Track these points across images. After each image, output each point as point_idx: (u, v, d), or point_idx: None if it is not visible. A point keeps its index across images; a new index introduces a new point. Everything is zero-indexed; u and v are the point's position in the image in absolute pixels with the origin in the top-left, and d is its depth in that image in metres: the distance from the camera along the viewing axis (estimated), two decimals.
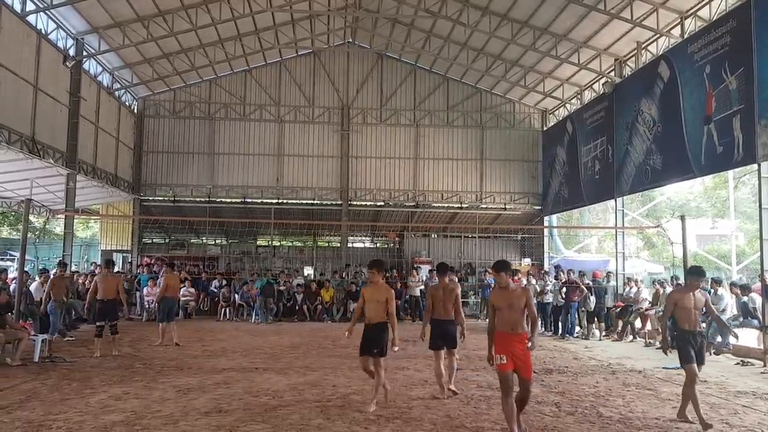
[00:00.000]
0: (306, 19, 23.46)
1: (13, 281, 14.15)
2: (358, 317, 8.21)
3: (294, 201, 26.45)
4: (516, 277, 18.08)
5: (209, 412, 7.35)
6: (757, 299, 13.05)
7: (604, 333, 16.83)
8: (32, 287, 14.33)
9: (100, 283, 12.27)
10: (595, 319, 16.92)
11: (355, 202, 26.63)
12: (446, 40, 23.25)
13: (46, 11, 17.19)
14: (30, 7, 16.42)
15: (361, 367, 7.97)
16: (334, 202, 26.52)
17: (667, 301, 7.74)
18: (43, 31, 17.29)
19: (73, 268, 20.60)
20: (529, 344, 6.46)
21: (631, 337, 16.11)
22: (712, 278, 14.50)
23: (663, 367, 11.44)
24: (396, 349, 7.72)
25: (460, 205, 26.87)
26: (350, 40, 26.49)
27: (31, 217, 21.87)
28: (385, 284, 8.13)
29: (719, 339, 13.05)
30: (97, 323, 12.25)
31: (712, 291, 13.44)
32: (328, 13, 23.06)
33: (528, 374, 6.54)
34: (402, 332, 15.77)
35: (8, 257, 29.19)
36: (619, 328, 16.56)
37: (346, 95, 26.60)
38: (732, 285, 13.90)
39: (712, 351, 13.08)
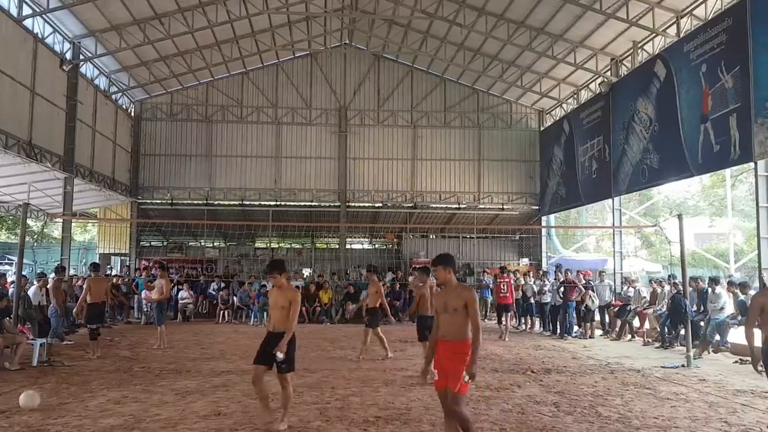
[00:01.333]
0: (303, 21, 23.50)
1: (12, 285, 14.14)
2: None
3: (292, 203, 26.47)
4: (504, 275, 18.08)
5: (208, 416, 7.35)
6: None
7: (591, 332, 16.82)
8: (30, 291, 14.32)
9: (93, 287, 12.50)
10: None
11: (353, 204, 26.64)
12: (443, 41, 23.27)
13: (43, 15, 17.18)
14: (26, 11, 16.41)
15: (252, 379, 6.93)
16: (332, 204, 26.52)
17: (751, 307, 6.55)
18: (39, 35, 17.28)
19: (72, 272, 20.59)
20: (466, 376, 5.26)
21: (629, 336, 16.13)
22: (709, 277, 14.53)
23: (661, 366, 11.47)
24: (280, 355, 6.66)
25: (458, 206, 26.89)
26: (347, 41, 26.53)
27: (29, 221, 21.89)
28: (291, 287, 7.34)
29: (717, 337, 13.07)
30: (90, 326, 12.38)
31: (710, 290, 13.45)
32: (325, 14, 23.06)
33: (453, 384, 5.34)
34: (402, 333, 15.74)
35: (6, 261, 29.15)
36: (617, 327, 16.58)
37: (344, 97, 26.61)
38: (730, 283, 13.90)
39: (710, 349, 13.12)
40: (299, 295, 7.09)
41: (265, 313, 19.65)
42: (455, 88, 26.95)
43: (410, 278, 21.69)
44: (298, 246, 29.54)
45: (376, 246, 29.30)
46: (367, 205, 26.91)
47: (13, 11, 15.86)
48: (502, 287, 17.05)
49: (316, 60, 26.66)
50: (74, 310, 13.07)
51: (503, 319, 16.86)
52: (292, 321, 6.76)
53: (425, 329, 9.96)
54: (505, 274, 17.60)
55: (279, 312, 6.85)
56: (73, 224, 23.01)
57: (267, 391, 6.90)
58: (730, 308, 13.32)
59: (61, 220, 20.93)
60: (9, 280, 15.48)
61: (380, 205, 26.83)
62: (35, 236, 29.39)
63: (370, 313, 12.32)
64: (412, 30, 23.52)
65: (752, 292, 13.16)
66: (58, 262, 18.61)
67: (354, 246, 29.20)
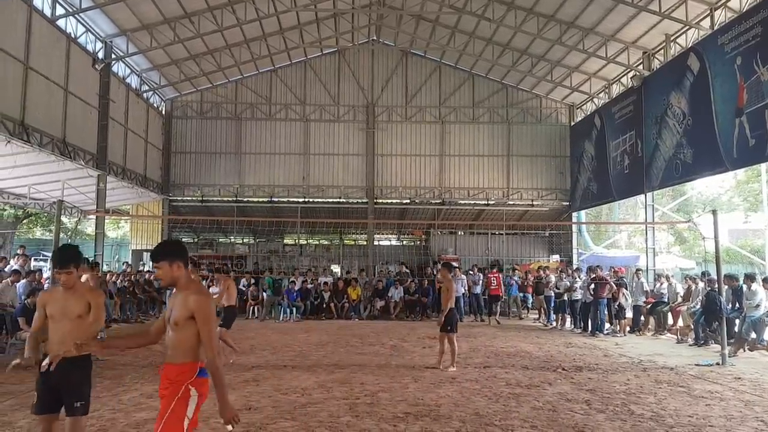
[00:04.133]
0: (330, 17, 23.53)
1: (47, 281, 14.41)
2: (37, 345, 4.70)
3: (320, 199, 26.58)
4: (494, 270, 18.83)
5: (239, 410, 7.34)
6: None
7: (627, 329, 16.60)
8: None
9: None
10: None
11: (381, 200, 26.64)
12: (471, 36, 23.13)
13: (76, 15, 17.47)
14: (60, 11, 16.71)
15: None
16: (360, 200, 26.56)
17: None
18: (72, 35, 17.58)
19: (105, 268, 20.91)
20: (229, 425, 3.88)
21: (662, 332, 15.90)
22: (745, 274, 14.23)
23: (695, 364, 11.27)
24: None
25: (486, 202, 26.73)
26: (375, 37, 26.49)
27: (63, 218, 22.28)
28: (89, 287, 5.17)
29: (753, 335, 12.80)
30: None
31: (746, 287, 13.17)
32: (353, 11, 23.09)
33: (157, 423, 3.85)
34: (434, 330, 15.59)
35: (41, 258, 29.72)
36: (650, 325, 16.35)
37: (371, 93, 26.61)
38: (765, 280, 13.60)
39: (746, 347, 12.86)
40: (102, 296, 4.86)
41: (294, 309, 19.80)
42: (484, 83, 26.77)
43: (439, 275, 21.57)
44: (326, 242, 29.67)
45: (404, 242, 29.30)
46: (395, 201, 26.90)
47: (47, 11, 16.15)
48: (492, 282, 19.54)
49: (344, 57, 26.70)
50: None
51: (494, 307, 19.42)
52: (109, 336, 4.86)
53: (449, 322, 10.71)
54: (495, 270, 20.44)
55: (71, 325, 4.52)
56: (105, 221, 23.38)
57: None
58: (766, 305, 13.03)
59: (95, 217, 21.31)
60: (44, 275, 15.79)
61: (408, 201, 26.80)
62: (69, 233, 29.97)
63: (226, 312, 11.08)
64: (440, 25, 23.41)
65: None
66: (92, 258, 18.90)
67: (382, 242, 29.21)
